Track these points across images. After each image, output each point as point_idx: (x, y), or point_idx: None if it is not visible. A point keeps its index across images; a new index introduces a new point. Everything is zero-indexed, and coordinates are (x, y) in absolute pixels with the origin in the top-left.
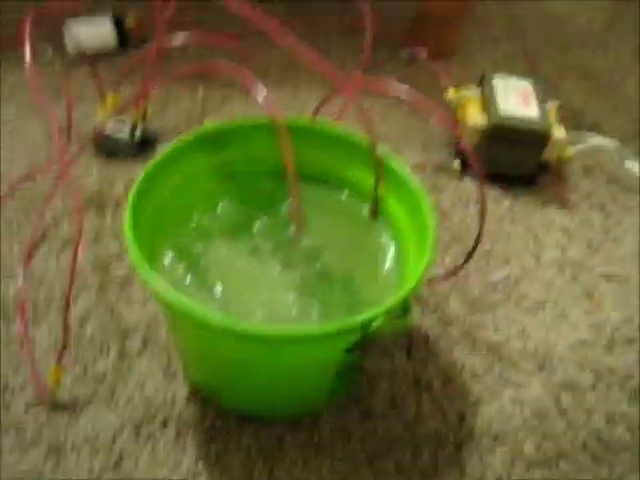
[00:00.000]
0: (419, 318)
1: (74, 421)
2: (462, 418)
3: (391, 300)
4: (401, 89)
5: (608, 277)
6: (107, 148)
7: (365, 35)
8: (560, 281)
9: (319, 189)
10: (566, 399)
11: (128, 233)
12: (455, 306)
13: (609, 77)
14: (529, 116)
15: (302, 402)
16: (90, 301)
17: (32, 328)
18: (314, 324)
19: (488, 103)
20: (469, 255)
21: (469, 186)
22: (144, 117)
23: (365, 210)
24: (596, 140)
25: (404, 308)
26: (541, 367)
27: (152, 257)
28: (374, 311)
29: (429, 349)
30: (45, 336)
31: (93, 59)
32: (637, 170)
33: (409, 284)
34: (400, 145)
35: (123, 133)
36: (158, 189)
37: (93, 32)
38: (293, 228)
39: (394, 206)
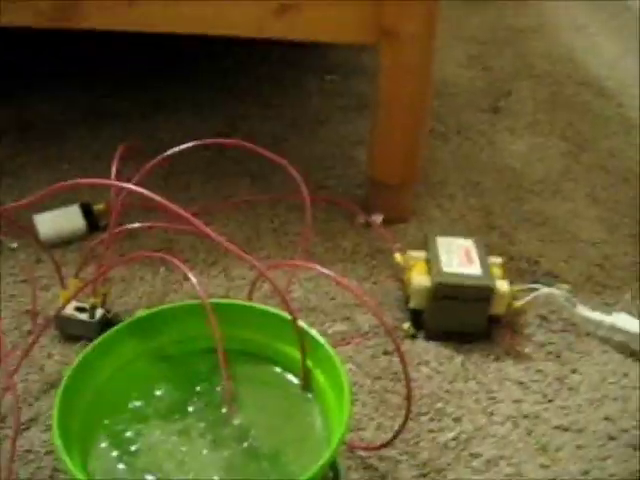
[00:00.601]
0: None
1: None
2: None
3: (306, 475)
4: (325, 271)
5: (564, 429)
6: (69, 330)
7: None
8: (514, 436)
9: (253, 365)
10: None
11: (56, 430)
12: (405, 471)
13: (564, 224)
14: (471, 273)
15: None
16: None
17: None
18: None
19: (432, 263)
20: (399, 429)
21: (421, 347)
22: (104, 299)
23: (296, 382)
24: (546, 290)
25: (334, 473)
26: None
27: (87, 444)
28: None
29: None
30: None
31: (59, 246)
32: (589, 315)
33: (325, 456)
34: (355, 309)
35: (83, 315)
36: (94, 377)
37: (62, 221)
38: (225, 407)
39: (320, 377)
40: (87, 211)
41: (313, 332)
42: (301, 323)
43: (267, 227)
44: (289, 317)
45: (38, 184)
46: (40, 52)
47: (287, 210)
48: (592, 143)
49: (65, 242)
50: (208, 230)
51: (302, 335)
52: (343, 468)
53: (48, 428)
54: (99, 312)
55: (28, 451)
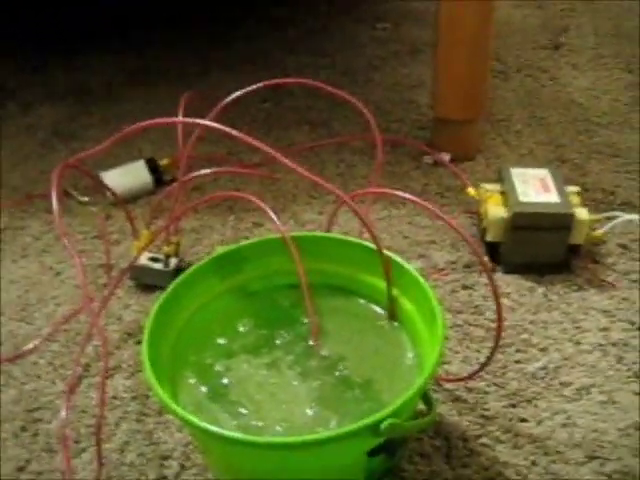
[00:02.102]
0: (457, 417)
1: None
2: None
3: (398, 401)
4: (407, 196)
5: None
6: (144, 280)
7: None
8: (604, 364)
9: (337, 297)
10: None
11: (146, 364)
12: (494, 402)
13: (637, 154)
14: (550, 201)
15: None
16: (130, 429)
17: (74, 459)
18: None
19: (508, 195)
20: (493, 351)
21: (501, 279)
22: (177, 249)
23: (381, 313)
24: (625, 217)
25: (428, 404)
26: (591, 457)
27: (175, 381)
28: (381, 414)
29: (469, 449)
30: (86, 466)
31: (127, 202)
32: None
33: (417, 382)
34: (429, 246)
35: (158, 264)
36: (177, 315)
37: (129, 177)
38: (312, 339)
39: (407, 305)
40: (153, 166)
41: (398, 259)
42: (385, 251)
43: (333, 172)
44: (371, 246)
45: (100, 143)
46: (89, 16)
47: (352, 154)
48: None
49: (133, 198)
50: (283, 159)
51: (387, 262)
52: (435, 399)
53: (131, 375)
54: (173, 261)
55: (114, 397)
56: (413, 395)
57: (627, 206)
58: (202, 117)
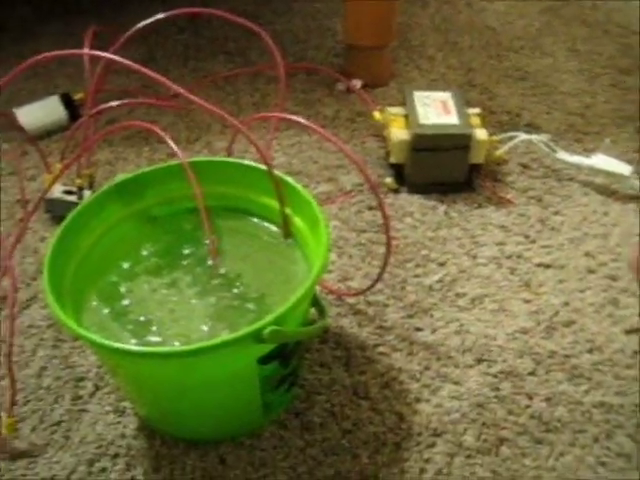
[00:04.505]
0: (357, 329)
1: (33, 465)
2: (401, 419)
3: (280, 309)
4: (301, 120)
5: (546, 265)
6: (58, 212)
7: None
8: (498, 275)
9: (235, 219)
10: (505, 387)
11: (47, 290)
12: (393, 314)
13: (544, 78)
14: (449, 123)
15: (239, 420)
16: (46, 355)
17: None
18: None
19: (410, 117)
20: (383, 268)
21: (405, 199)
22: (91, 181)
23: (276, 231)
24: (525, 137)
25: (320, 313)
26: (479, 360)
27: (79, 304)
28: (263, 322)
29: (367, 358)
30: (4, 391)
31: (43, 137)
32: (569, 160)
33: (299, 291)
34: (337, 170)
35: (71, 197)
36: (80, 242)
37: (43, 112)
38: (211, 260)
39: (300, 223)
40: (67, 101)
41: (289, 179)
42: (276, 172)
43: (248, 101)
44: (264, 168)
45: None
46: None
47: (267, 83)
48: None
49: (48, 133)
50: (181, 89)
51: (277, 182)
52: (326, 307)
53: (47, 305)
54: (86, 193)
55: (30, 326)
56: (295, 303)
57: (531, 127)
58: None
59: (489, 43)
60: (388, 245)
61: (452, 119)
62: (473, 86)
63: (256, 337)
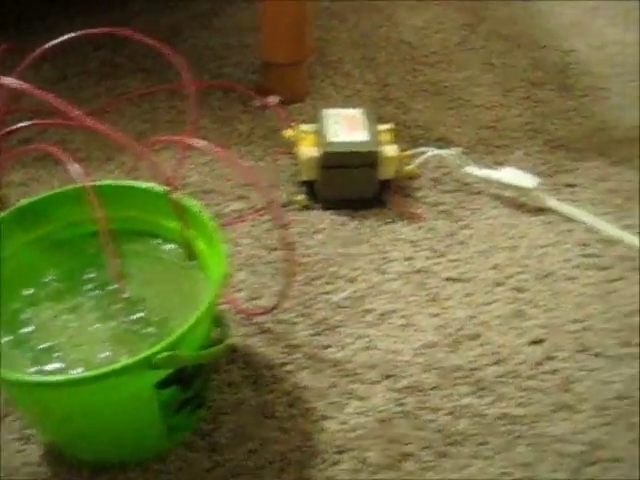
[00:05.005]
0: (265, 348)
1: None
2: (306, 437)
3: (173, 335)
4: (201, 143)
5: (454, 279)
6: None
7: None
8: (406, 290)
9: (139, 242)
10: (410, 402)
11: None
12: (301, 331)
13: (459, 91)
14: (358, 140)
15: (143, 444)
16: None
17: None
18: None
19: (320, 135)
20: (285, 288)
21: (316, 216)
22: (2, 203)
23: (180, 253)
24: (435, 152)
25: (223, 332)
26: (386, 375)
27: None
28: (156, 348)
29: (275, 377)
30: None
31: None
32: (479, 174)
33: (194, 316)
34: (249, 189)
35: None
36: None
37: None
38: (114, 284)
39: (202, 245)
40: None
41: (189, 202)
42: (177, 194)
43: (164, 119)
44: (165, 190)
45: None
46: None
47: (183, 100)
48: (491, 12)
49: None
50: (77, 112)
51: (176, 204)
52: (231, 325)
53: None
54: None
55: None
56: (190, 327)
57: (444, 141)
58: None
59: (406, 58)
60: (290, 265)
61: (361, 136)
62: (388, 101)
63: (148, 363)
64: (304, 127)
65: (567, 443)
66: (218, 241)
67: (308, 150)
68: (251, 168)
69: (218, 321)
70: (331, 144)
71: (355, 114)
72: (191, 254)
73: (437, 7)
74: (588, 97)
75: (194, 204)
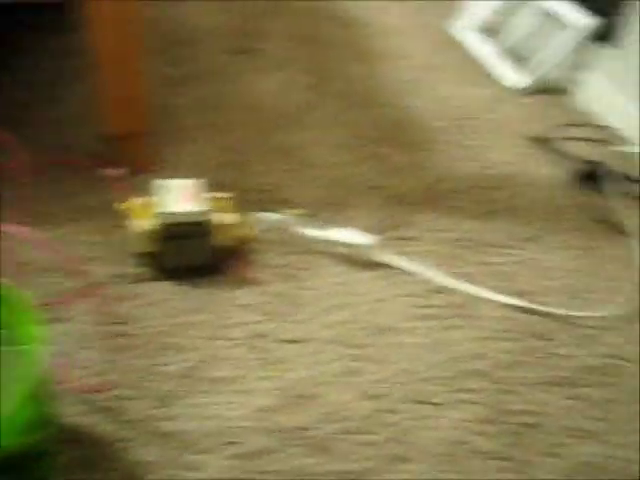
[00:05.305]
0: (101, 426)
1: None
2: None
3: None
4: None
5: (291, 341)
6: None
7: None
8: (243, 355)
9: None
10: (247, 467)
11: None
12: (138, 406)
13: (305, 152)
14: (191, 210)
15: None
16: None
17: None
18: None
19: (154, 207)
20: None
21: (153, 287)
22: None
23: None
24: (273, 217)
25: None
26: (222, 443)
27: None
28: None
29: (111, 455)
30: None
31: None
32: (318, 235)
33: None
34: (87, 263)
35: None
36: None
37: None
38: None
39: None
40: None
41: (8, 291)
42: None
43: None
44: None
45: None
46: None
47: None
48: (335, 72)
49: None
50: None
51: None
52: (59, 405)
53: None
54: None
55: None
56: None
57: (288, 204)
58: None
59: (253, 121)
60: (126, 340)
61: (194, 206)
62: (235, 165)
63: None
64: (139, 200)
65: None
66: (33, 334)
67: (142, 222)
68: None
69: (46, 401)
70: (164, 216)
71: (188, 184)
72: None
73: (285, 70)
74: (426, 151)
75: (13, 294)
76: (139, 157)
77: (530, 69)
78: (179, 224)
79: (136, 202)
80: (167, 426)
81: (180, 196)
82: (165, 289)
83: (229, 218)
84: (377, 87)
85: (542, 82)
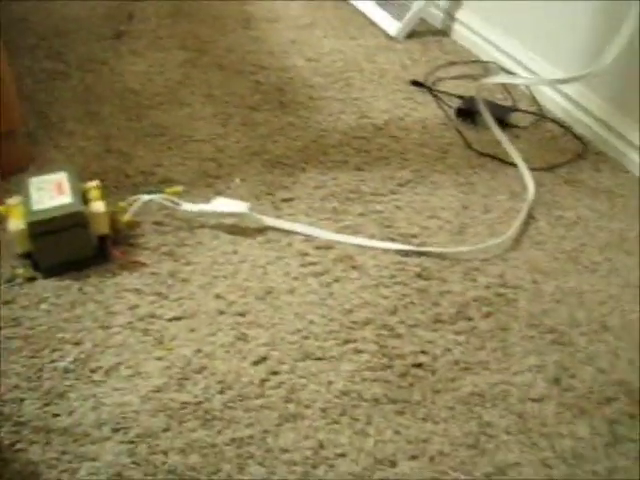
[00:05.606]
0: None
1: None
2: None
3: None
4: None
5: (177, 318)
6: None
7: None
8: (132, 340)
9: None
10: (142, 449)
11: None
12: (29, 406)
13: (181, 129)
14: (62, 203)
15: None
16: None
17: None
18: None
19: (25, 206)
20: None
21: (40, 285)
22: None
23: None
24: (146, 198)
25: None
26: (116, 429)
27: None
28: None
29: (3, 459)
30: None
31: None
32: (194, 209)
33: None
34: None
35: None
36: None
37: None
38: None
39: None
40: None
41: None
42: None
43: None
44: None
45: None
46: None
47: None
48: (213, 45)
49: None
50: None
51: None
52: None
53: None
54: None
55: None
56: None
57: (166, 183)
58: None
59: (129, 105)
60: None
61: (66, 199)
62: (111, 153)
63: None
64: (11, 201)
65: (294, 452)
66: None
67: (15, 223)
68: None
69: None
70: (35, 213)
71: (59, 178)
72: None
73: (162, 49)
74: (305, 110)
75: None
76: (12, 157)
77: (408, 15)
78: (50, 219)
79: (12, 202)
80: (59, 422)
81: (51, 190)
82: (50, 286)
83: (100, 207)
84: (257, 52)
85: (419, 26)
